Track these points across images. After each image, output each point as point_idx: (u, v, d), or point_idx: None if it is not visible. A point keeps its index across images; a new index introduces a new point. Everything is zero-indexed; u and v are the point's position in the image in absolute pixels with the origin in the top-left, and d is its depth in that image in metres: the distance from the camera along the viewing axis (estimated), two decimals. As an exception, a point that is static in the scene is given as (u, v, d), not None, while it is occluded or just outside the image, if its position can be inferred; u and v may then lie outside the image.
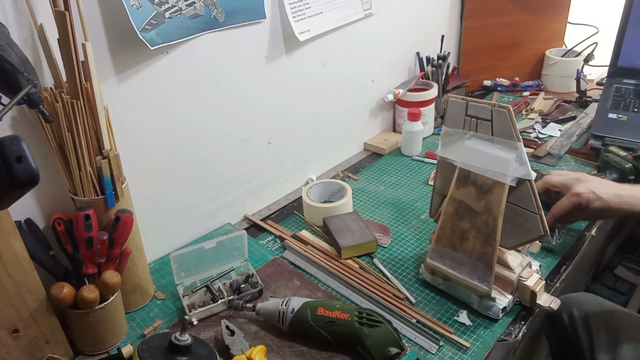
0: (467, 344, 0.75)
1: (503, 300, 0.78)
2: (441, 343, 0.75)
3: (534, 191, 0.73)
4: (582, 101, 1.48)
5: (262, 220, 1.08)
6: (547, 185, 0.88)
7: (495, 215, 0.74)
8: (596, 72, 1.63)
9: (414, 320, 0.79)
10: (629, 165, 1.05)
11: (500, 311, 0.78)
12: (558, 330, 0.94)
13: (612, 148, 1.11)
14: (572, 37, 1.62)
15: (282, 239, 1.01)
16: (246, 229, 1.03)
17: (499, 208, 0.74)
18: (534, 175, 0.72)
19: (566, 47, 1.65)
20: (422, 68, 1.44)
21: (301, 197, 1.08)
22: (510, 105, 0.70)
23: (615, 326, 0.87)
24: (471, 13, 1.56)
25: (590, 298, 0.95)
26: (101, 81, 0.75)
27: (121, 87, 0.80)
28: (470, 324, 0.79)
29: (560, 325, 0.93)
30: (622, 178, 1.05)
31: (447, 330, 0.77)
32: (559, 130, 1.35)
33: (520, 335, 0.77)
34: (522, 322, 0.79)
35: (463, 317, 0.80)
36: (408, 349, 0.75)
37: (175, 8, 0.80)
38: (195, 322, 0.79)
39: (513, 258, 0.79)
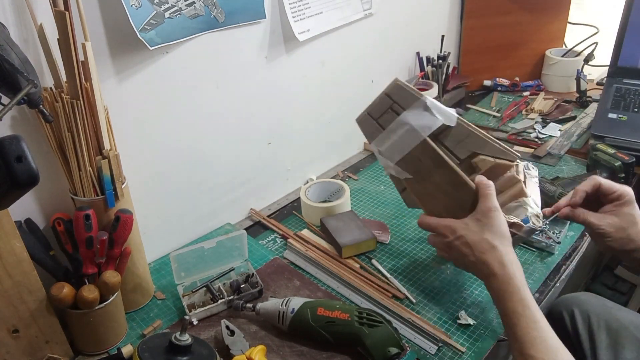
0: (463, 349, 0.74)
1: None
2: (440, 343, 0.75)
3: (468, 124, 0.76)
4: (582, 101, 1.48)
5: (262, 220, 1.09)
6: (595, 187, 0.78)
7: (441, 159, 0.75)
8: (596, 72, 1.63)
9: (411, 320, 0.79)
10: (618, 163, 1.05)
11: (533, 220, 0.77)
12: (559, 330, 0.93)
13: (600, 146, 1.11)
14: (572, 37, 1.62)
15: (285, 238, 1.01)
16: (246, 229, 1.03)
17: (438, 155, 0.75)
18: (454, 117, 0.75)
19: (566, 47, 1.65)
20: (422, 68, 1.44)
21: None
22: (396, 78, 0.75)
23: (617, 325, 0.87)
24: (471, 13, 1.56)
25: (592, 297, 0.94)
26: (101, 81, 0.75)
27: (121, 87, 0.80)
28: (473, 322, 0.79)
29: (561, 325, 0.93)
30: (613, 176, 1.06)
31: (444, 334, 0.77)
32: (559, 130, 1.35)
33: (520, 335, 0.77)
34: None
35: (464, 317, 0.80)
36: (408, 349, 0.75)
37: (175, 8, 0.80)
38: (195, 322, 0.79)
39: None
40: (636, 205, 0.74)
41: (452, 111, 0.76)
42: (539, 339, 0.62)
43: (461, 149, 0.77)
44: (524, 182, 0.80)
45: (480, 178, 0.75)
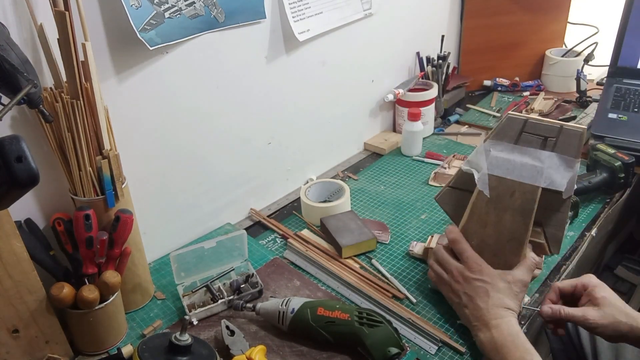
0: (462, 349, 0.74)
1: None
2: (440, 343, 0.75)
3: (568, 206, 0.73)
4: (582, 101, 1.48)
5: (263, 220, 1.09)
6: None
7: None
8: (596, 72, 1.63)
9: (411, 320, 0.79)
10: (618, 163, 1.05)
11: None
12: None
13: (600, 146, 1.11)
14: (572, 37, 1.62)
15: (285, 238, 1.01)
16: (246, 229, 1.03)
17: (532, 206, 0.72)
18: (571, 192, 0.71)
19: (566, 47, 1.65)
20: (422, 68, 1.44)
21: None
22: (584, 127, 0.69)
23: None
24: (471, 13, 1.56)
25: None
26: (101, 81, 0.75)
27: (121, 87, 0.80)
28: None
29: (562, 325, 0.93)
30: (612, 177, 1.05)
31: (444, 335, 0.77)
32: (559, 130, 1.35)
33: (520, 335, 0.77)
34: (522, 323, 0.79)
35: None
36: (408, 349, 0.75)
37: (175, 8, 0.80)
38: (195, 322, 0.79)
39: None
40: (604, 285, 0.74)
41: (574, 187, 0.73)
42: None
43: (539, 213, 0.74)
44: None
45: (534, 255, 0.77)
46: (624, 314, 0.71)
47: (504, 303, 0.72)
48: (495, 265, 0.76)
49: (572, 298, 0.77)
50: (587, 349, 0.88)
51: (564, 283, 0.77)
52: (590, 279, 0.75)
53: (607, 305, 0.71)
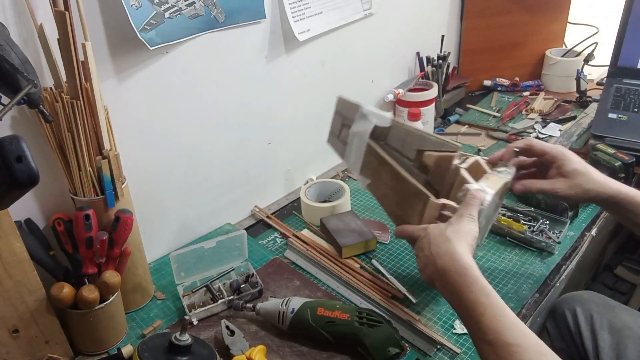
0: (459, 350, 0.74)
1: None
2: (439, 345, 0.75)
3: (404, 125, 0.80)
4: (582, 101, 1.48)
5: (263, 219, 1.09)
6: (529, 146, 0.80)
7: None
8: (596, 72, 1.63)
9: (410, 321, 0.79)
10: (618, 163, 1.05)
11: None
12: (561, 329, 0.94)
13: (600, 146, 1.11)
14: (572, 37, 1.62)
15: (286, 237, 1.01)
16: (246, 229, 1.03)
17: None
18: (388, 119, 0.80)
19: (566, 47, 1.65)
20: (422, 68, 1.44)
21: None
22: (339, 95, 0.83)
23: (620, 325, 0.87)
24: (471, 13, 1.56)
25: (595, 296, 0.94)
26: (101, 81, 0.75)
27: (121, 87, 0.80)
28: (464, 332, 0.77)
29: (564, 324, 0.93)
30: (613, 176, 1.05)
31: (443, 338, 0.76)
32: (559, 130, 1.35)
33: (520, 335, 0.77)
34: (523, 322, 0.79)
35: (459, 326, 0.78)
36: (408, 349, 0.75)
37: (175, 8, 0.80)
38: (195, 322, 0.79)
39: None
40: (574, 157, 0.78)
41: (388, 114, 0.81)
42: (512, 325, 0.58)
43: (407, 149, 0.80)
44: (485, 174, 0.79)
45: (472, 190, 0.73)
46: (592, 181, 0.76)
47: (444, 236, 0.67)
48: (416, 213, 0.76)
49: (541, 166, 0.81)
50: (588, 347, 0.88)
51: (538, 144, 0.80)
52: (562, 152, 0.78)
53: (576, 176, 0.76)
